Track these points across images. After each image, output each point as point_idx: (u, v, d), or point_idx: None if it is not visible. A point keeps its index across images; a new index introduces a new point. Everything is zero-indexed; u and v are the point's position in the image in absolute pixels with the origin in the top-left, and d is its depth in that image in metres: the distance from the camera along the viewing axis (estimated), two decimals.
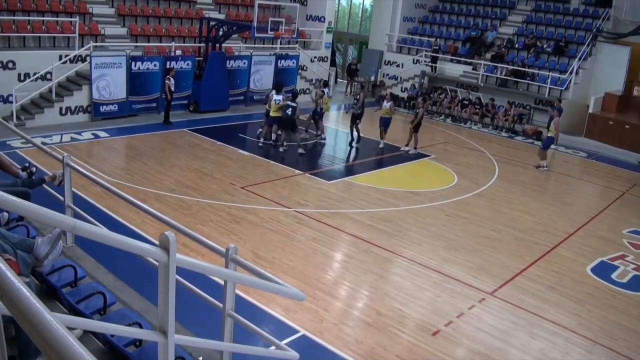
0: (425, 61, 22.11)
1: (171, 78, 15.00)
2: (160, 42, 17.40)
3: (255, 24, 16.90)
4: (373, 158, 14.57)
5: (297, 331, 6.37)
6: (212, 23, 16.90)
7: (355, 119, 15.55)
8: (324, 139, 15.63)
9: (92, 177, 4.42)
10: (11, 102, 13.52)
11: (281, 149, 13.85)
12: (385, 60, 23.94)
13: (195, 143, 13.90)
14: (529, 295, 7.77)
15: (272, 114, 13.91)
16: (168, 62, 15.98)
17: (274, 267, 7.77)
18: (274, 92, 14.07)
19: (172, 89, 15.10)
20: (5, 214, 4.34)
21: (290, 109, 13.69)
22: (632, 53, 19.35)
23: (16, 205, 1.69)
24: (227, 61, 17.51)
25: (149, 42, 17.20)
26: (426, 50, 22.28)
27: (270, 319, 6.59)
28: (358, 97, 15.99)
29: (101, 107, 14.87)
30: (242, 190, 10.79)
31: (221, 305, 3.25)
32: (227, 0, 20.38)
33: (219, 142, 14.01)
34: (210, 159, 12.63)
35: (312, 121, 15.64)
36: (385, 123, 15.27)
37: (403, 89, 22.37)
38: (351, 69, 23.61)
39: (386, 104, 15.35)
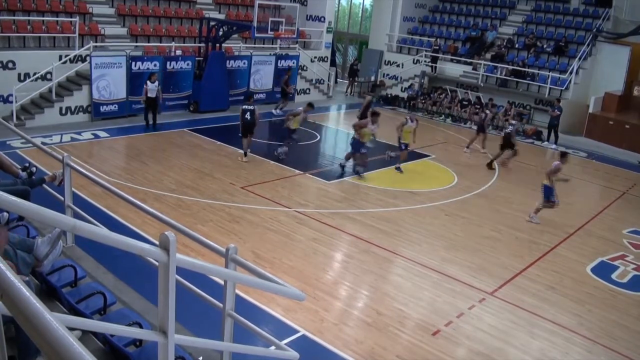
0: (425, 61, 22.12)
1: (149, 82, 14.40)
2: (160, 42, 17.40)
3: (255, 24, 16.89)
4: (373, 158, 14.55)
5: (297, 331, 6.38)
6: (212, 23, 16.90)
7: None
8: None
9: (92, 177, 4.43)
10: (11, 102, 13.53)
11: (244, 159, 12.81)
12: (385, 60, 23.94)
13: (195, 143, 13.90)
14: (529, 295, 7.77)
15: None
16: (168, 62, 15.99)
17: (274, 267, 7.77)
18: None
19: (152, 95, 14.40)
20: (5, 214, 4.34)
21: (248, 113, 12.62)
22: (632, 53, 19.35)
23: (16, 205, 1.69)
24: (227, 61, 17.52)
25: (149, 42, 17.20)
26: (426, 50, 22.29)
27: (270, 319, 6.59)
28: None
29: (101, 107, 14.87)
30: (242, 190, 10.80)
31: (221, 305, 3.25)
32: (227, 0, 20.38)
33: (219, 142, 14.01)
34: (210, 159, 12.63)
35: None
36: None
37: (403, 89, 22.37)
38: (353, 69, 23.64)
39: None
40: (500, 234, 9.98)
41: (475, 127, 16.65)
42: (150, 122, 14.91)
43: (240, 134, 12.99)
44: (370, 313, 6.95)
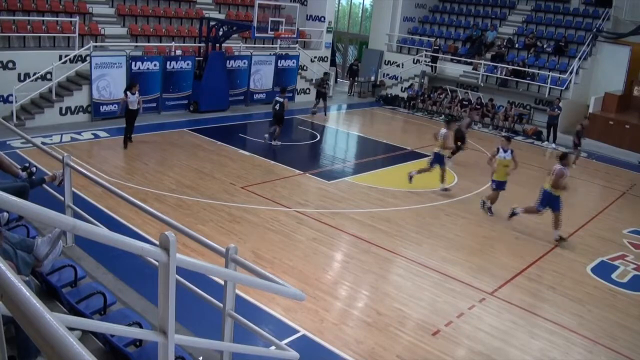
0: (425, 61, 22.11)
1: (129, 93, 12.51)
2: (160, 42, 17.39)
3: (255, 23, 16.89)
4: (373, 158, 14.56)
5: (297, 331, 6.37)
6: (212, 23, 16.90)
7: None
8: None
9: (92, 177, 4.43)
10: (11, 102, 13.53)
11: (273, 143, 14.22)
12: (385, 60, 23.94)
13: (195, 143, 13.89)
14: (529, 295, 7.77)
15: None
16: (168, 62, 15.99)
17: (274, 267, 7.77)
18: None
19: (133, 107, 12.54)
20: (5, 214, 4.34)
21: (277, 104, 14.08)
22: (632, 53, 19.34)
23: (16, 205, 1.69)
24: (227, 61, 17.52)
25: (149, 42, 17.20)
26: (426, 50, 22.28)
27: (270, 319, 6.59)
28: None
29: (101, 107, 14.87)
30: (242, 190, 10.79)
31: (221, 305, 3.25)
32: (227, 0, 20.38)
33: (219, 142, 14.01)
34: (211, 159, 12.62)
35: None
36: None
37: (403, 89, 22.37)
38: (353, 69, 23.67)
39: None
40: (500, 234, 9.98)
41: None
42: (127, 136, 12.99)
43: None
44: (371, 313, 6.95)
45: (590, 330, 7.02)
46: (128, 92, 12.64)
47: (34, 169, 4.66)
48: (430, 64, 22.06)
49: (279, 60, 19.25)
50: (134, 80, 13.53)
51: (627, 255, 9.50)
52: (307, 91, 20.97)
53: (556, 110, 17.20)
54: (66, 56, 14.62)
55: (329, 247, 8.79)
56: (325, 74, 19.71)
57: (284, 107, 14.17)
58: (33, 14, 14.96)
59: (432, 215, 10.52)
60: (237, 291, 3.52)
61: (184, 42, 17.90)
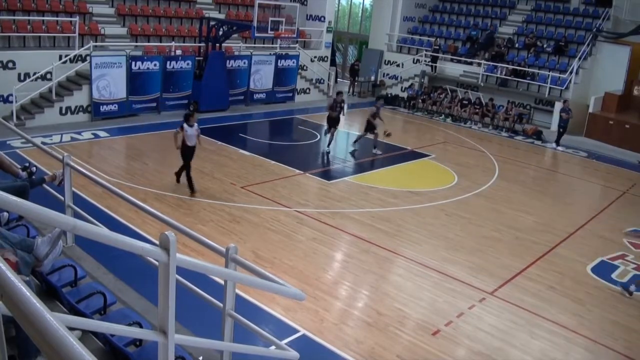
0: (425, 61, 22.11)
1: (186, 125, 9.92)
2: (160, 42, 17.39)
3: (255, 23, 16.89)
4: (373, 158, 14.55)
5: (297, 331, 6.38)
6: (212, 23, 16.91)
7: None
8: None
9: (92, 177, 4.43)
10: (11, 102, 13.52)
11: (353, 147, 14.91)
12: (385, 60, 23.94)
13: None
14: (529, 295, 7.76)
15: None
16: (168, 62, 15.98)
17: (274, 267, 7.77)
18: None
19: (192, 143, 10.04)
20: (5, 214, 4.34)
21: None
22: (632, 53, 19.33)
23: (16, 205, 1.69)
24: (227, 61, 17.52)
25: (149, 42, 17.20)
26: (426, 50, 22.28)
27: (270, 318, 6.59)
28: None
29: (101, 107, 14.87)
30: (243, 190, 10.79)
31: (221, 305, 3.25)
32: (227, 0, 20.38)
33: (219, 142, 14.00)
34: (211, 159, 12.62)
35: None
36: None
37: (403, 89, 22.37)
38: (354, 69, 23.67)
39: None
40: (500, 234, 9.98)
41: None
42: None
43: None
44: (371, 313, 6.95)
45: (590, 330, 7.02)
46: (185, 125, 9.98)
47: (34, 168, 4.66)
48: (430, 63, 22.06)
49: (279, 60, 19.25)
50: (193, 109, 11.17)
51: (627, 255, 9.50)
52: (307, 91, 20.98)
53: (569, 113, 17.15)
54: (66, 56, 14.62)
55: (329, 247, 8.79)
56: (340, 93, 15.18)
57: (369, 114, 14.44)
58: (33, 14, 14.96)
59: (432, 215, 10.52)
60: (237, 291, 3.51)
61: (184, 42, 17.89)
